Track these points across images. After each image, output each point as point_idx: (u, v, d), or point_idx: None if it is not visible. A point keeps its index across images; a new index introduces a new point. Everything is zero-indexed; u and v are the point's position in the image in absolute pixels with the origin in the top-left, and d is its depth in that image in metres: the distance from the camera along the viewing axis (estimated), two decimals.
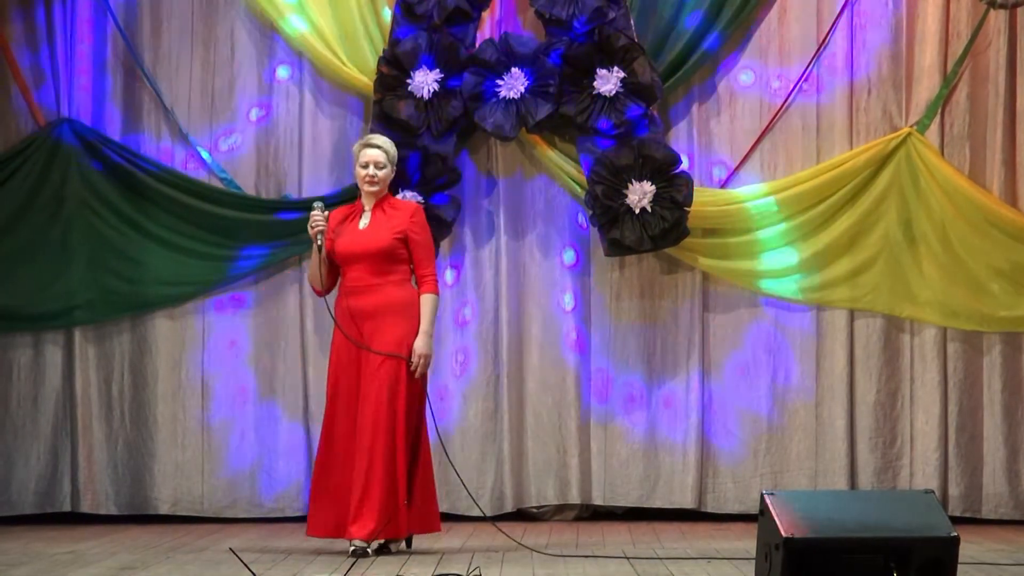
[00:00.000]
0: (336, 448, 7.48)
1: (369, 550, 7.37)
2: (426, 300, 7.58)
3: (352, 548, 7.36)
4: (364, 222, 7.58)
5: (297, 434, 9.30)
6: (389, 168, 7.61)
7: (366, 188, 7.59)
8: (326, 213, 7.56)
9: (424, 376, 7.58)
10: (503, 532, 8.02)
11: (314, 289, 7.75)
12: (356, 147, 7.69)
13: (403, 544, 7.54)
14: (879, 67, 9.36)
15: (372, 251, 7.48)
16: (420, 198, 9.10)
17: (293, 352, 9.37)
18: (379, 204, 7.60)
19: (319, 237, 7.50)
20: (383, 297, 7.51)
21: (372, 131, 9.15)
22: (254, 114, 9.48)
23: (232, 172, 9.44)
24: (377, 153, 7.58)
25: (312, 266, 7.63)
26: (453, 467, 8.44)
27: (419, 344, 7.51)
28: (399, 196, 9.05)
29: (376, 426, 7.36)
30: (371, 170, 7.56)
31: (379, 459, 7.34)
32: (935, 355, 9.28)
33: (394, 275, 7.53)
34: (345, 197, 8.81)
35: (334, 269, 7.63)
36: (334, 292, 7.69)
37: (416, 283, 7.62)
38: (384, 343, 7.45)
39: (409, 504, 7.41)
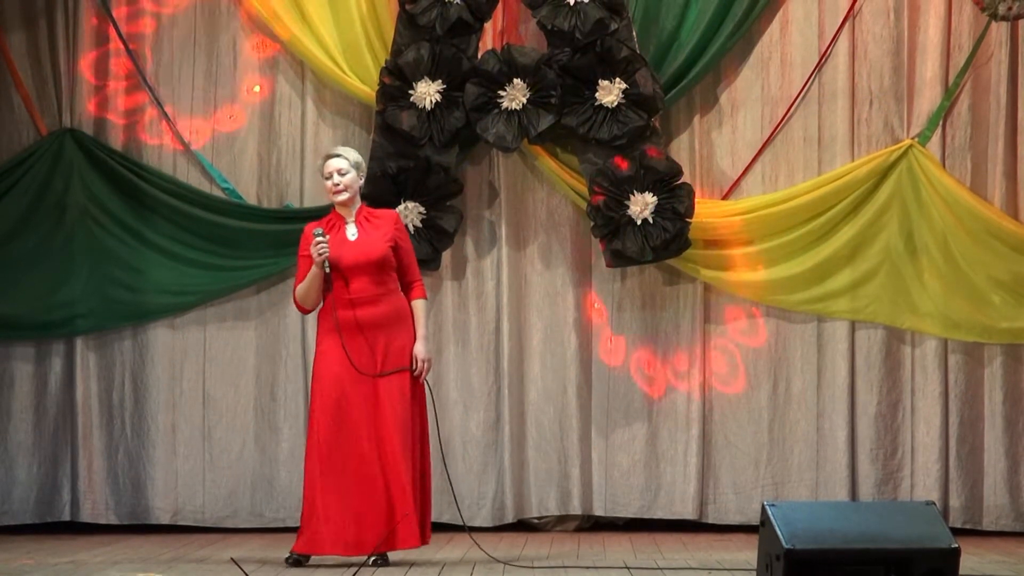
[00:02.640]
0: (353, 463, 7.38)
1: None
2: (420, 305, 7.62)
3: (375, 559, 7.38)
4: (352, 233, 7.54)
5: (298, 444, 9.28)
6: (354, 174, 7.56)
7: (335, 198, 7.56)
8: (328, 237, 7.51)
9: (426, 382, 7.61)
10: (477, 544, 7.92)
11: (302, 308, 7.61)
12: (319, 163, 7.71)
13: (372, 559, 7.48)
14: (881, 79, 9.37)
15: (374, 261, 7.47)
16: (422, 208, 9.11)
17: (294, 361, 9.38)
18: (359, 214, 7.59)
19: (326, 264, 7.45)
20: (389, 307, 7.51)
21: (374, 142, 9.18)
22: (256, 124, 9.48)
23: (234, 182, 9.45)
24: (338, 161, 7.56)
25: (307, 287, 7.49)
26: (449, 478, 8.45)
27: (422, 349, 7.54)
28: (402, 206, 9.08)
29: (407, 439, 7.40)
30: (335, 179, 7.54)
31: (416, 471, 7.45)
32: (936, 367, 9.29)
33: (391, 284, 7.55)
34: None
35: (325, 284, 7.56)
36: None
37: (404, 289, 7.63)
38: (400, 357, 7.46)
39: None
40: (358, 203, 7.62)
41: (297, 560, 7.49)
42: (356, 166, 7.58)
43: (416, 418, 7.51)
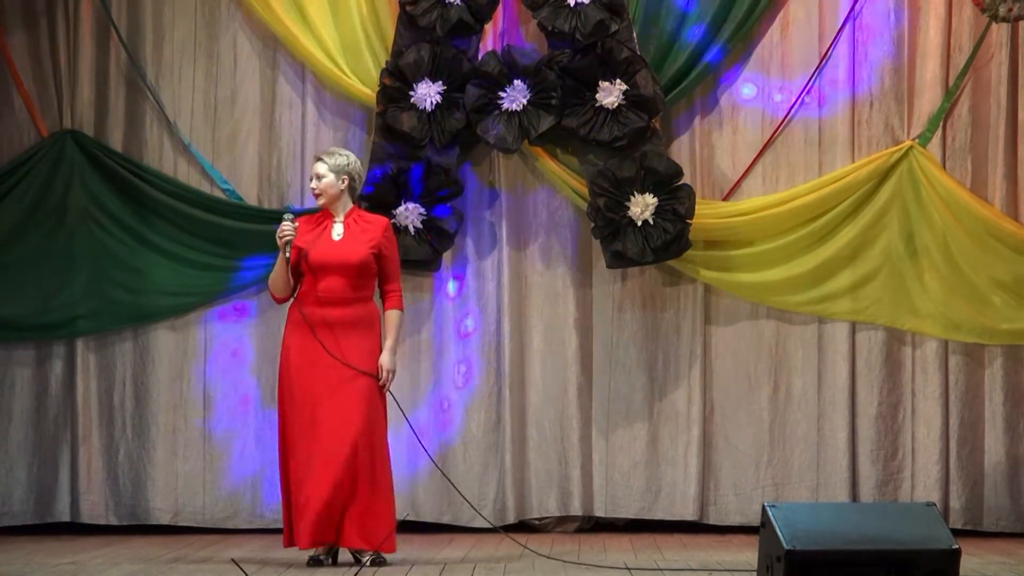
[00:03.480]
0: (320, 456, 7.39)
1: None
2: (393, 316, 7.62)
3: (371, 559, 7.37)
4: (337, 233, 7.57)
5: None
6: (332, 178, 7.55)
7: (316, 201, 7.62)
8: (295, 224, 7.55)
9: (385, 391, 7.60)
10: (515, 540, 7.99)
11: (272, 294, 7.68)
12: None
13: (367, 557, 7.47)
14: (881, 80, 9.38)
15: (351, 263, 7.48)
16: (423, 209, 9.12)
17: None
18: (349, 215, 7.61)
19: (287, 248, 7.50)
20: (360, 310, 7.51)
21: (374, 143, 9.18)
22: (256, 125, 9.49)
23: (234, 183, 9.45)
24: (318, 165, 7.61)
25: (276, 274, 7.58)
26: (450, 481, 8.45)
27: (387, 360, 7.52)
28: (402, 208, 9.09)
29: (373, 438, 7.39)
30: (313, 182, 7.60)
31: (384, 471, 7.42)
32: (937, 368, 9.29)
33: (367, 289, 7.57)
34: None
35: (295, 276, 7.60)
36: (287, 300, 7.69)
37: (381, 297, 7.64)
38: (360, 358, 7.46)
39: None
40: (348, 205, 7.62)
41: (317, 560, 7.47)
42: (338, 170, 7.57)
43: (375, 425, 7.45)
